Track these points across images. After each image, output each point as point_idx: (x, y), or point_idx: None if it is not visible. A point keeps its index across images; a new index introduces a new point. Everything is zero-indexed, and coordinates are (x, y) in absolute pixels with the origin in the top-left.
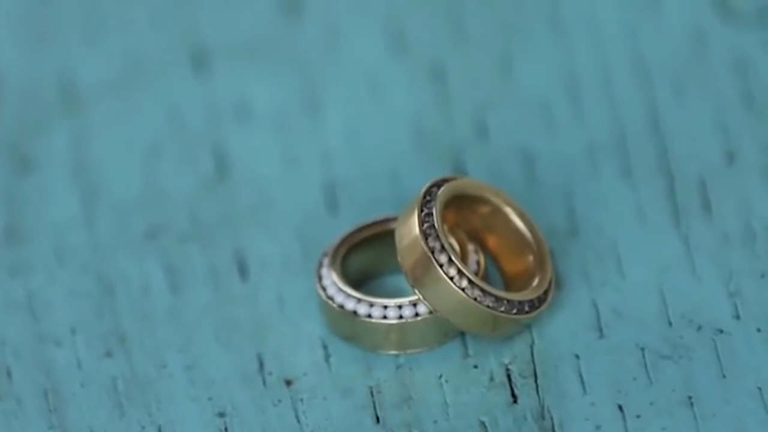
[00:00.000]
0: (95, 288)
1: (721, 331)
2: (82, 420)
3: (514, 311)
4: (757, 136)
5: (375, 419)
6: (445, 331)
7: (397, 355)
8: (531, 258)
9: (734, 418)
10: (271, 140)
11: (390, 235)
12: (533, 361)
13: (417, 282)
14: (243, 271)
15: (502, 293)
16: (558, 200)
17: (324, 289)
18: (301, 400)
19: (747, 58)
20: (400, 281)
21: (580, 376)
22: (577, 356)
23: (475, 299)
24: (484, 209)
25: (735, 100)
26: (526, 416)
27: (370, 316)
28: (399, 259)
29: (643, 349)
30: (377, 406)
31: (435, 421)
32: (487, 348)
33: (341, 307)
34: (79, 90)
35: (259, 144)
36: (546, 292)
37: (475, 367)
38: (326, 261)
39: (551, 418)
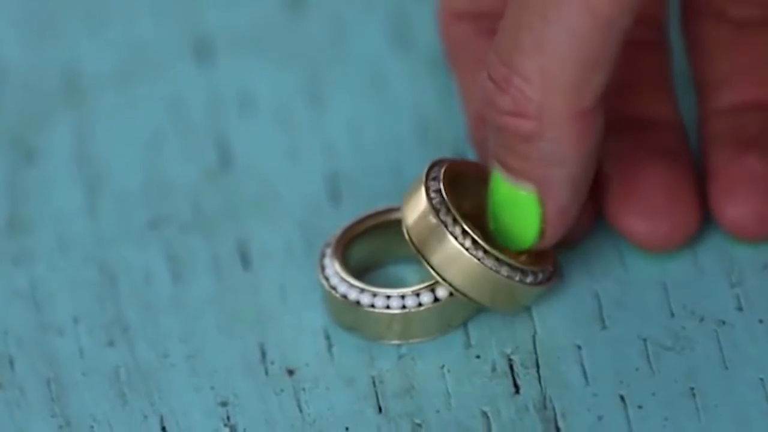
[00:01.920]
0: (98, 277)
1: (723, 322)
2: (84, 409)
3: (529, 280)
4: None
5: (377, 409)
6: (448, 321)
7: (399, 345)
8: None
9: (736, 408)
10: (273, 131)
11: (391, 225)
12: (535, 352)
13: (430, 256)
14: (245, 261)
15: (517, 263)
16: None
17: (327, 279)
18: (304, 389)
19: None
20: (402, 271)
21: (582, 366)
22: (579, 347)
23: (491, 268)
24: (484, 191)
25: None
26: (528, 406)
27: (373, 306)
28: (408, 236)
29: (645, 340)
30: (379, 395)
31: (437, 411)
32: (490, 338)
33: (344, 297)
34: (82, 81)
35: (261, 135)
36: (555, 266)
37: (477, 357)
38: (329, 251)
39: (553, 409)
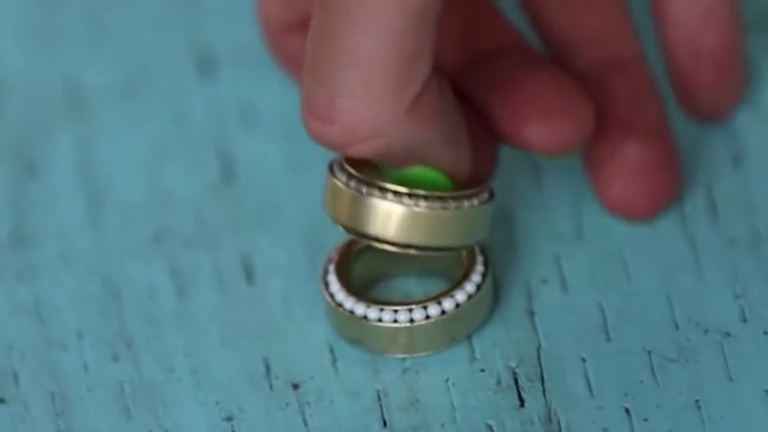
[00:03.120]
0: (101, 292)
1: (728, 334)
2: (88, 424)
3: (471, 203)
4: (763, 138)
5: (382, 423)
6: (453, 334)
7: (403, 359)
8: None
9: (741, 420)
10: (276, 145)
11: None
12: (540, 365)
13: (368, 227)
14: (249, 275)
15: (444, 194)
16: (564, 203)
17: (332, 296)
18: (308, 403)
19: (755, 61)
20: (405, 284)
21: (587, 379)
22: (584, 359)
23: (430, 208)
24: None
25: (742, 102)
26: (533, 420)
27: (380, 320)
28: (341, 225)
29: (649, 353)
30: (384, 409)
31: (442, 425)
32: (494, 351)
33: (351, 312)
34: (84, 94)
35: (264, 148)
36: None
37: (482, 370)
38: (332, 268)
39: (558, 422)
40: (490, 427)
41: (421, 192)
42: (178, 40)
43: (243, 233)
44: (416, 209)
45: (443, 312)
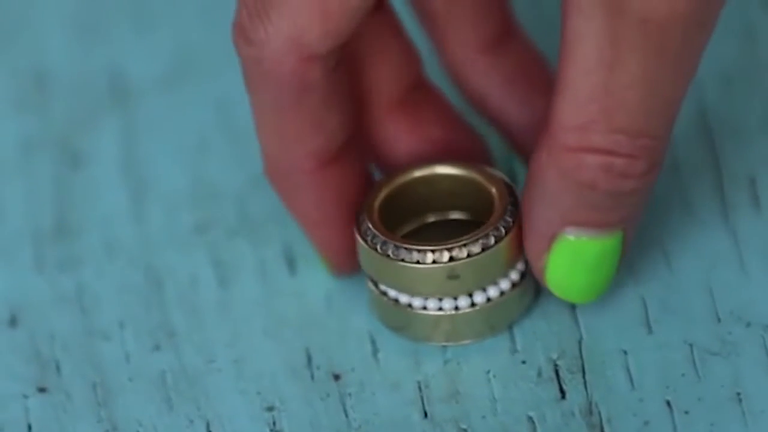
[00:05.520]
0: (144, 282)
1: None
2: (130, 414)
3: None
4: None
5: (423, 414)
6: (495, 323)
7: (444, 349)
8: None
9: None
10: None
11: (428, 228)
12: (581, 357)
13: (416, 289)
14: (291, 265)
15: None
16: None
17: (375, 284)
18: (349, 394)
19: None
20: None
21: (628, 371)
22: (625, 352)
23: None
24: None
25: None
26: (574, 412)
27: (424, 308)
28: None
29: (691, 345)
30: (425, 400)
31: (483, 417)
32: (535, 343)
33: (395, 301)
34: (128, 85)
35: None
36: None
37: (523, 362)
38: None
39: (599, 414)
40: (530, 418)
41: (443, 246)
42: (222, 30)
43: (286, 224)
44: (434, 265)
45: (488, 299)
